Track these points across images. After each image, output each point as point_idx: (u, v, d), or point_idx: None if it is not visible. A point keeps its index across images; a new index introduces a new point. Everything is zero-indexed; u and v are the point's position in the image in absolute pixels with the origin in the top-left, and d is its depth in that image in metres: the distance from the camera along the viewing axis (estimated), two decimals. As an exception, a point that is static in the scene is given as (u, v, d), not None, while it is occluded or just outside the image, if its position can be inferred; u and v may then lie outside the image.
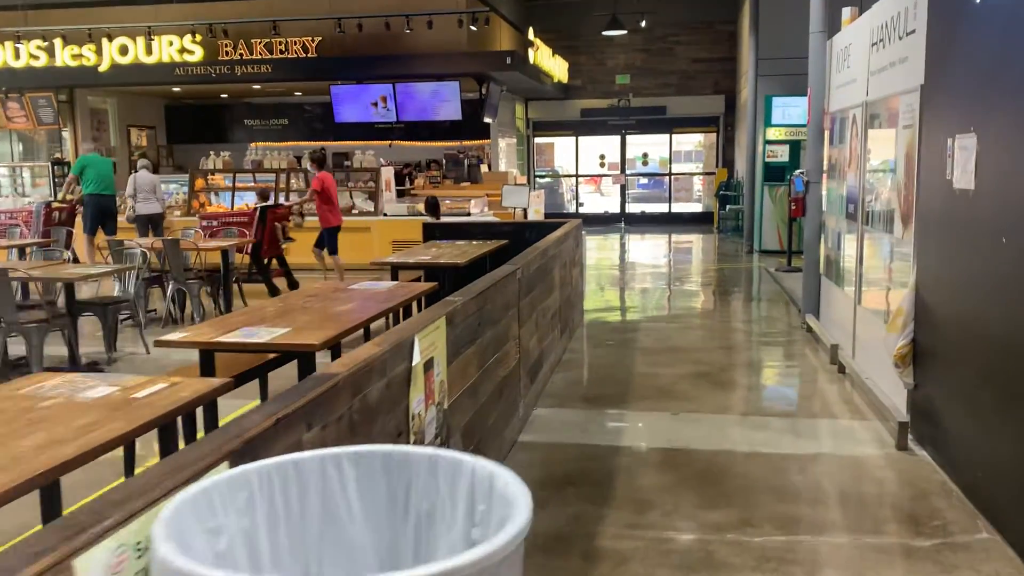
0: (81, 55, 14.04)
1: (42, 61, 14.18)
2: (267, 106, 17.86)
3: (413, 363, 2.71)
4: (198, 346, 3.80)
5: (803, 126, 13.40)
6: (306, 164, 13.00)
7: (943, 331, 4.26)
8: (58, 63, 14.14)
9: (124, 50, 13.92)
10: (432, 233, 8.54)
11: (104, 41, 13.91)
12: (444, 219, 8.92)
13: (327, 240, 9.82)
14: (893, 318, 4.77)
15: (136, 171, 11.16)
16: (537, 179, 20.68)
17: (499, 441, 4.25)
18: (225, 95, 17.24)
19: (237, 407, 3.46)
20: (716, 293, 10.27)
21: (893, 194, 5.11)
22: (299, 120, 17.50)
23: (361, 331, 4.75)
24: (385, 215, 12.20)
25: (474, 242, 8.24)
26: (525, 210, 11.89)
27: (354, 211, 12.44)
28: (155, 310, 8.60)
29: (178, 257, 8.01)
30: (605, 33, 17.60)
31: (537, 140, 20.39)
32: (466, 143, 17.46)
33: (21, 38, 13.93)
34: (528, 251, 5.40)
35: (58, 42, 14.02)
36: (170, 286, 8.17)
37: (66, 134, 15.20)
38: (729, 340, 7.46)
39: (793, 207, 7.56)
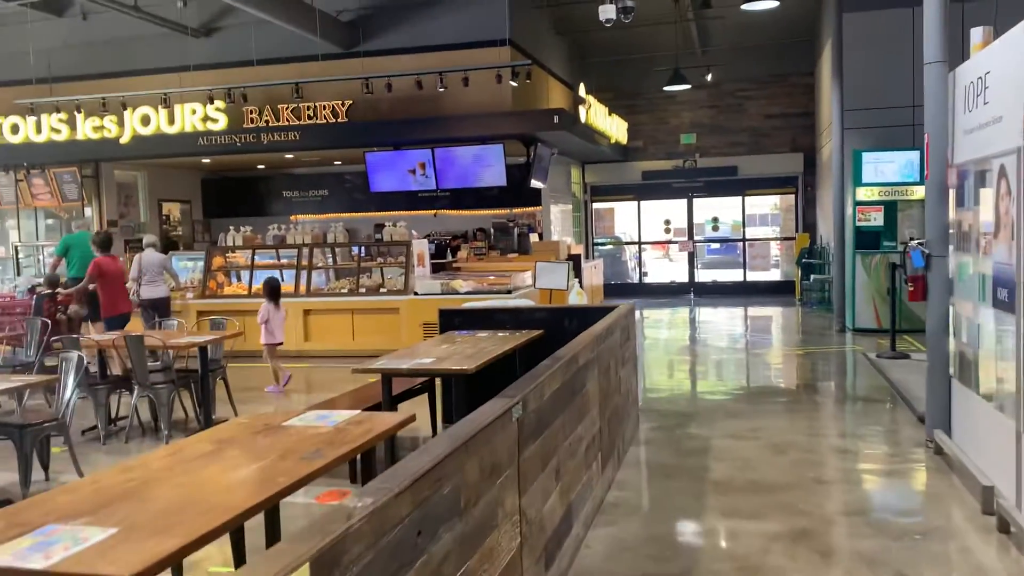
0: (103, 127, 13.20)
1: (63, 135, 13.39)
2: (306, 177, 16.84)
3: None
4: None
5: (900, 184, 11.58)
6: (333, 237, 11.72)
7: None
8: (79, 136, 13.33)
9: (146, 120, 13.02)
10: (451, 321, 7.00)
11: (127, 112, 13.04)
12: (468, 304, 7.38)
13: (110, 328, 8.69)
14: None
15: (142, 250, 10.01)
16: (596, 247, 19.09)
17: None
18: (262, 166, 16.28)
19: None
20: (804, 389, 8.40)
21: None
22: (339, 191, 16.40)
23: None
24: (416, 294, 10.74)
25: (500, 333, 6.66)
26: (579, 286, 10.32)
27: (382, 290, 11.03)
28: (122, 419, 7.20)
29: (141, 356, 6.63)
30: (667, 89, 16.15)
31: (595, 205, 18.86)
32: (516, 211, 16.04)
33: (37, 110, 13.17)
34: (540, 369, 3.78)
35: (79, 115, 13.22)
36: (135, 392, 6.78)
37: (90, 211, 14.33)
38: (829, 468, 5.63)
39: (910, 287, 5.78)
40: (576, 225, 18.00)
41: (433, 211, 16.25)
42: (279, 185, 16.92)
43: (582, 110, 13.16)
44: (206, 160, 14.70)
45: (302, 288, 11.19)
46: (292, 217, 16.69)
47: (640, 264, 19.29)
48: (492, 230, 15.81)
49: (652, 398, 7.76)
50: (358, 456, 3.70)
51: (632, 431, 6.32)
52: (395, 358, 5.55)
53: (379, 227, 12.42)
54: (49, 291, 9.61)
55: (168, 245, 15.68)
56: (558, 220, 16.15)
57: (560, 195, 16.19)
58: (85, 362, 5.71)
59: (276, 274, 11.88)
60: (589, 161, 18.10)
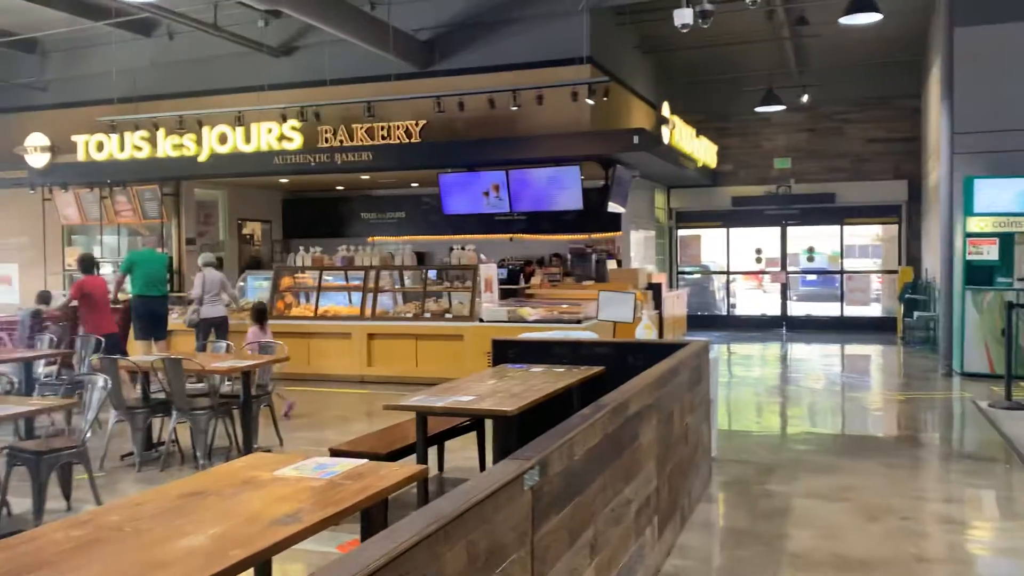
0: (182, 145, 13.26)
1: (145, 152, 13.52)
2: (384, 198, 16.63)
3: None
4: None
5: (1017, 215, 10.45)
6: (401, 260, 11.36)
7: None
8: (160, 154, 13.43)
9: (223, 139, 13.01)
10: (504, 353, 6.42)
11: (205, 130, 13.07)
12: (525, 335, 6.80)
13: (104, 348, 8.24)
14: None
15: (201, 269, 9.84)
16: (681, 276, 18.24)
17: None
18: (340, 187, 16.17)
19: None
20: (905, 441, 7.46)
21: None
22: (416, 213, 16.12)
23: None
24: (481, 320, 10.23)
25: (557, 368, 6.06)
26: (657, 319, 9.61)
27: (447, 315, 10.56)
28: (161, 444, 6.89)
29: (180, 380, 6.30)
30: (759, 110, 15.31)
31: (681, 232, 18.04)
32: (595, 236, 15.40)
33: (118, 128, 13.34)
34: (573, 421, 3.16)
35: (160, 132, 13.33)
36: (172, 417, 6.46)
37: (171, 228, 14.43)
38: (933, 542, 4.80)
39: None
40: (660, 253, 17.22)
41: (509, 235, 15.77)
42: (357, 206, 16.77)
43: (666, 130, 12.48)
44: (284, 180, 14.63)
45: (368, 311, 10.84)
46: (370, 239, 16.49)
47: (728, 295, 18.33)
48: (569, 256, 15.21)
49: (730, 446, 6.99)
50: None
51: (701, 486, 5.60)
52: (434, 394, 5.02)
53: (454, 251, 11.97)
54: (37, 308, 9.61)
55: (250, 264, 15.71)
56: (640, 247, 15.43)
57: (642, 220, 15.49)
58: (109, 385, 5.38)
59: (343, 296, 11.63)
60: (675, 185, 17.34)
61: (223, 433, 6.91)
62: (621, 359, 6.16)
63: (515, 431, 5.94)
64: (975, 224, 10.51)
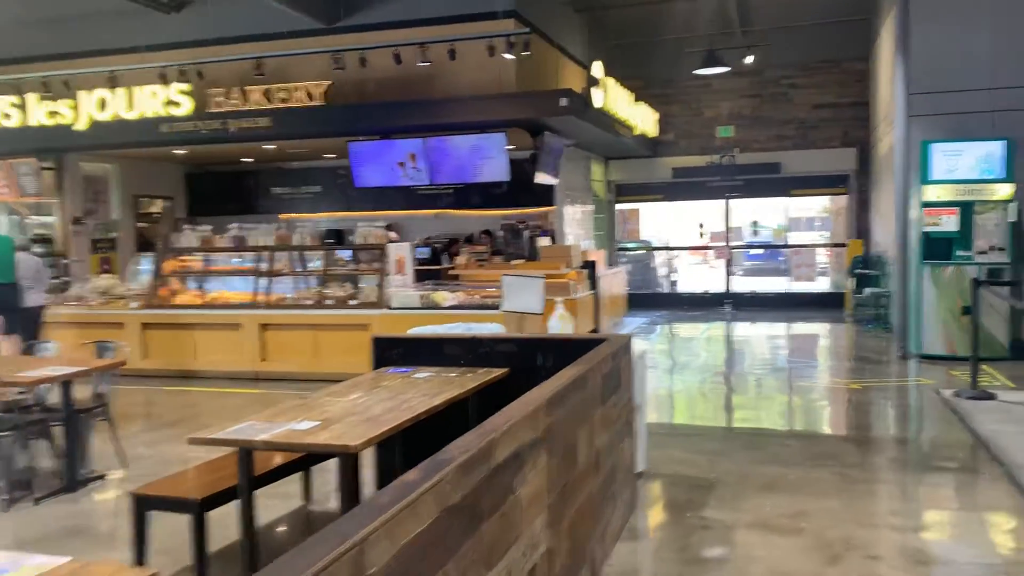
0: (57, 112, 11.70)
1: (15, 120, 11.92)
2: (297, 171, 15.23)
3: None
4: None
5: (977, 182, 9.56)
6: (301, 239, 10.06)
7: None
8: (32, 122, 11.85)
9: (103, 104, 11.49)
10: (387, 353, 5.24)
11: (82, 94, 11.54)
12: (415, 330, 5.62)
13: None
14: None
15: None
16: (621, 252, 17.21)
17: None
18: (248, 159, 14.71)
19: None
20: (863, 445, 6.47)
21: None
22: (332, 187, 14.74)
23: None
24: (390, 308, 9.02)
25: (450, 372, 4.91)
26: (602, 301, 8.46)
27: (351, 302, 9.32)
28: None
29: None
30: (700, 72, 14.25)
31: (620, 206, 16.97)
32: (527, 211, 14.25)
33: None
34: (383, 498, 2.00)
35: (30, 97, 11.75)
36: (-31, 440, 5.15)
37: (55, 206, 12.88)
38: (911, 591, 3.78)
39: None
40: (598, 228, 16.14)
41: (435, 211, 14.54)
42: (267, 180, 15.33)
43: (597, 93, 11.32)
44: (180, 151, 13.14)
45: (261, 298, 9.53)
46: (282, 216, 15.09)
47: (670, 272, 17.36)
48: (500, 232, 14.04)
49: (662, 455, 5.93)
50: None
51: (622, 519, 4.51)
52: (269, 417, 3.82)
53: (360, 228, 10.60)
54: None
55: (147, 245, 14.21)
56: (576, 222, 14.30)
57: (578, 194, 14.36)
58: None
59: (241, 282, 10.30)
60: (613, 156, 16.24)
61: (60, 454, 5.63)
62: (528, 358, 5.04)
63: (401, 455, 4.88)
64: (933, 192, 9.60)
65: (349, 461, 3.58)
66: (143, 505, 3.93)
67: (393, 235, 11.24)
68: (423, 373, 4.91)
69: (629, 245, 17.41)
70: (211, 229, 10.46)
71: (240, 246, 10.02)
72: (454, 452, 2.42)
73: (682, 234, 16.89)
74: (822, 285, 16.77)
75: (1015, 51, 9.70)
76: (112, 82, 11.17)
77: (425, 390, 4.44)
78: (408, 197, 14.24)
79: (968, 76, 9.87)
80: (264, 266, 9.67)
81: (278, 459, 4.32)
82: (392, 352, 5.27)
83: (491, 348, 5.12)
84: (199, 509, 3.78)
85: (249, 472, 3.63)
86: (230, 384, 9.21)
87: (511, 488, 2.74)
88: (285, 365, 9.25)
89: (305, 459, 4.46)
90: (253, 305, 9.50)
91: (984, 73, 9.82)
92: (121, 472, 5.90)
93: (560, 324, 5.44)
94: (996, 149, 9.40)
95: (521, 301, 5.51)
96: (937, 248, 9.64)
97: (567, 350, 4.91)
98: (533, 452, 2.99)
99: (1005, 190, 9.38)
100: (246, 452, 3.60)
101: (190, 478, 4.09)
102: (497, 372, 4.92)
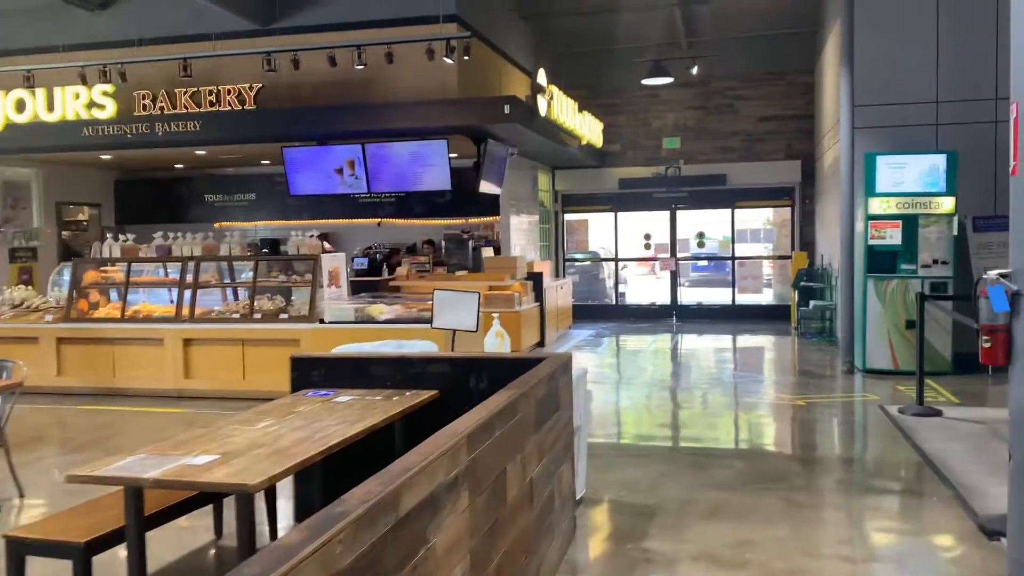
0: (-30, 113, 11.03)
1: (-75, 121, 11.21)
2: (232, 178, 14.69)
3: None
4: None
5: (922, 195, 9.51)
6: (229, 249, 9.57)
7: None
8: (-57, 123, 11.16)
9: (21, 106, 10.86)
10: (306, 375, 4.85)
11: (-2, 94, 10.90)
12: (340, 348, 5.24)
13: None
14: None
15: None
16: (571, 263, 16.98)
17: None
18: (180, 165, 14.12)
19: None
20: (810, 465, 6.26)
21: None
22: (269, 194, 14.23)
23: None
24: (322, 322, 8.60)
25: (374, 395, 4.55)
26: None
27: (282, 316, 8.87)
28: None
29: None
30: (646, 82, 14.11)
31: (567, 217, 16.75)
32: (472, 220, 13.94)
33: None
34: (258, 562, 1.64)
35: (-58, 96, 11.06)
36: None
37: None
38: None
39: (986, 343, 3.67)
40: (545, 239, 15.89)
41: (377, 219, 14.14)
42: (201, 187, 14.75)
43: (542, 101, 11.06)
44: (106, 156, 12.52)
45: (185, 312, 9.02)
46: (216, 224, 14.55)
47: (617, 283, 17.19)
48: (443, 242, 13.68)
49: (605, 480, 5.64)
50: None
51: (559, 552, 4.19)
52: (163, 450, 3.41)
53: (294, 237, 10.10)
54: None
55: (69, 255, 13.51)
56: (522, 232, 14.02)
57: (524, 203, 14.08)
58: None
59: (162, 293, 9.78)
60: (560, 166, 16.02)
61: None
62: (461, 380, 4.70)
63: (320, 486, 4.54)
64: (877, 205, 9.52)
65: (247, 502, 3.18)
66: (19, 549, 3.49)
67: (327, 245, 10.79)
68: (345, 397, 4.53)
69: (577, 256, 17.19)
70: (134, 238, 9.91)
71: (165, 256, 9.49)
72: (351, 503, 2.06)
73: (630, 245, 16.73)
74: (768, 297, 16.76)
75: (959, 64, 9.71)
76: (29, 82, 10.54)
77: (344, 416, 4.07)
78: (348, 206, 13.82)
79: (912, 89, 9.86)
80: (189, 277, 9.16)
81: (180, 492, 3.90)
82: (313, 373, 4.88)
83: (421, 369, 4.77)
84: (83, 554, 3.35)
85: (139, 513, 3.21)
86: (151, 403, 8.68)
87: (424, 538, 2.40)
88: (210, 383, 8.76)
89: (200, 497, 4.04)
90: (177, 319, 8.99)
91: (928, 86, 9.83)
92: (17, 501, 5.40)
93: (496, 342, 5.12)
94: (940, 162, 9.36)
95: (453, 318, 5.17)
96: (882, 261, 9.56)
97: (503, 370, 4.60)
98: (452, 493, 2.65)
99: (948, 203, 9.35)
100: (133, 491, 3.19)
101: (77, 517, 3.65)
102: (426, 395, 4.58)
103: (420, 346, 5.28)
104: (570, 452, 4.64)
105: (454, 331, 5.23)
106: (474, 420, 3.02)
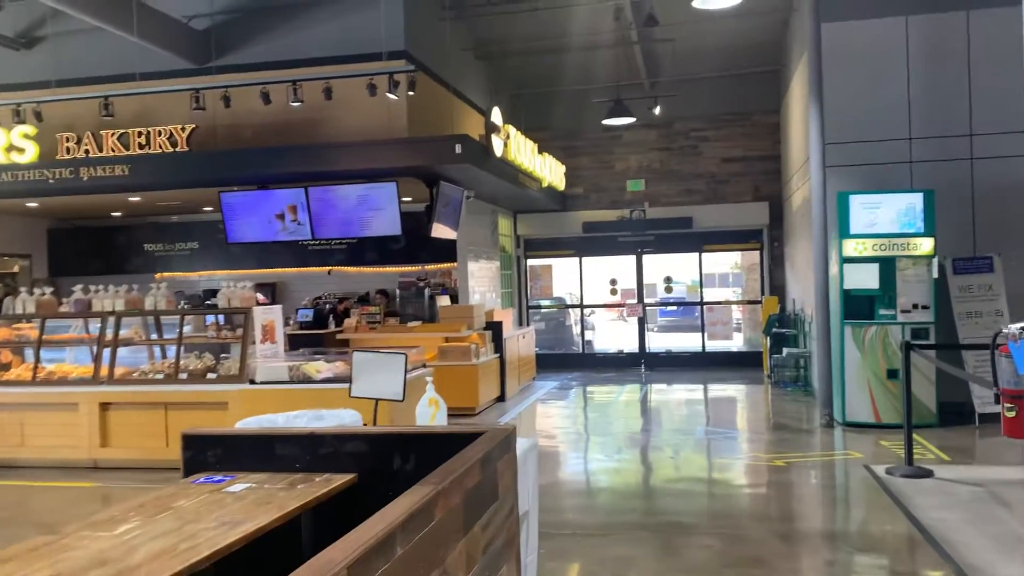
0: None
1: None
2: (174, 227, 13.86)
3: None
4: None
5: (899, 236, 8.98)
6: (154, 303, 8.74)
7: None
8: None
9: (-66, 149, 10.04)
10: (201, 456, 4.07)
11: (-92, 138, 10.06)
12: (243, 422, 4.48)
13: None
14: None
15: None
16: (535, 310, 16.29)
17: None
18: (117, 212, 13.29)
19: None
20: (792, 543, 5.54)
21: None
22: (212, 243, 13.40)
23: None
24: (253, 382, 7.79)
25: (278, 484, 3.76)
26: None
27: (210, 375, 8.04)
28: None
29: None
30: (607, 122, 13.61)
31: (530, 262, 16.10)
32: (428, 267, 13.23)
33: None
34: None
35: None
36: None
37: None
38: None
39: (1009, 412, 2.99)
40: (507, 285, 15.21)
41: (327, 268, 13.38)
42: (140, 236, 13.90)
43: (498, 141, 10.46)
44: (31, 203, 11.66)
45: (103, 372, 8.16)
46: (157, 275, 13.68)
47: (583, 330, 16.52)
48: (398, 291, 12.93)
49: (559, 571, 4.86)
50: None
51: (497, 678, 3.41)
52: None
53: (225, 288, 9.20)
54: None
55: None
56: (482, 279, 13.34)
57: (483, 249, 13.42)
58: None
59: (81, 352, 8.91)
60: (521, 210, 15.42)
61: None
62: (384, 460, 3.93)
63: None
64: (852, 247, 8.98)
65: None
66: None
67: (261, 297, 10.00)
68: (239, 485, 3.74)
69: (542, 302, 16.53)
70: (52, 291, 9.06)
71: (83, 312, 8.64)
72: None
73: (596, 291, 16.11)
74: (739, 343, 16.18)
75: (931, 100, 9.29)
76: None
77: (232, 513, 3.28)
78: (297, 253, 13.07)
79: (884, 125, 9.43)
80: (109, 334, 8.31)
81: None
82: (208, 453, 4.09)
83: (334, 448, 4.00)
84: None
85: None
86: (61, 475, 7.77)
87: None
88: (129, 451, 7.87)
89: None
90: (94, 380, 8.12)
91: (900, 122, 9.39)
92: None
93: (429, 411, 4.37)
94: (916, 201, 8.87)
95: (376, 385, 4.43)
96: (858, 306, 8.99)
97: (434, 446, 3.83)
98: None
99: (927, 245, 8.82)
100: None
101: None
102: (339, 481, 3.78)
103: (345, 416, 4.50)
104: (514, 547, 3.88)
105: (376, 401, 4.50)
106: (363, 539, 2.26)
